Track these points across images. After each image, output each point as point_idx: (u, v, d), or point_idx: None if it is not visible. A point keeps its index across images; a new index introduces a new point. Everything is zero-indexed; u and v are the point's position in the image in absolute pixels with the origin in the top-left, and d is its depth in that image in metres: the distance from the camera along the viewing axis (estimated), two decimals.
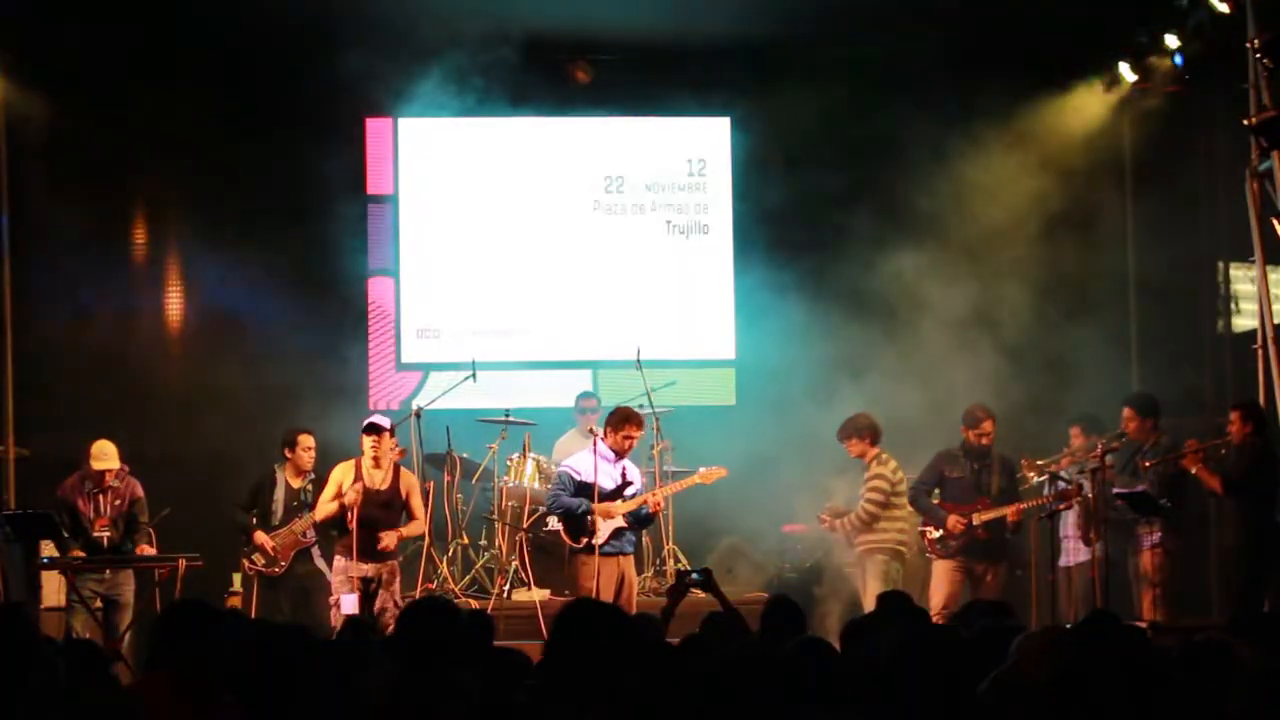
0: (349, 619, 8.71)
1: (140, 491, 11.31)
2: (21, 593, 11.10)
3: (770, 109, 13.42)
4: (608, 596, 10.16)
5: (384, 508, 10.53)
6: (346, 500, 10.43)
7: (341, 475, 10.63)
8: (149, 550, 11.11)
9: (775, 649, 4.95)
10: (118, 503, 11.20)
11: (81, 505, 11.12)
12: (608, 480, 10.39)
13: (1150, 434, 11.19)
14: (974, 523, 10.76)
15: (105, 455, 11.11)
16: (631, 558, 10.51)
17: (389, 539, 10.44)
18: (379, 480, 10.56)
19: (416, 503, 10.72)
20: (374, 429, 10.55)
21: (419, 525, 10.81)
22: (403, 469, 10.80)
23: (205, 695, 4.61)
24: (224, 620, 5.34)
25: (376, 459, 10.53)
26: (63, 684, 4.44)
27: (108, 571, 10.96)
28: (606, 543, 10.30)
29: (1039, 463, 11.17)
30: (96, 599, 10.99)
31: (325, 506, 10.65)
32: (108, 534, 11.05)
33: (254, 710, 4.75)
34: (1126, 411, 11.26)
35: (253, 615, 10.79)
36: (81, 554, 10.92)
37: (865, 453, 11.26)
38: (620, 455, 10.43)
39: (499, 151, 14.03)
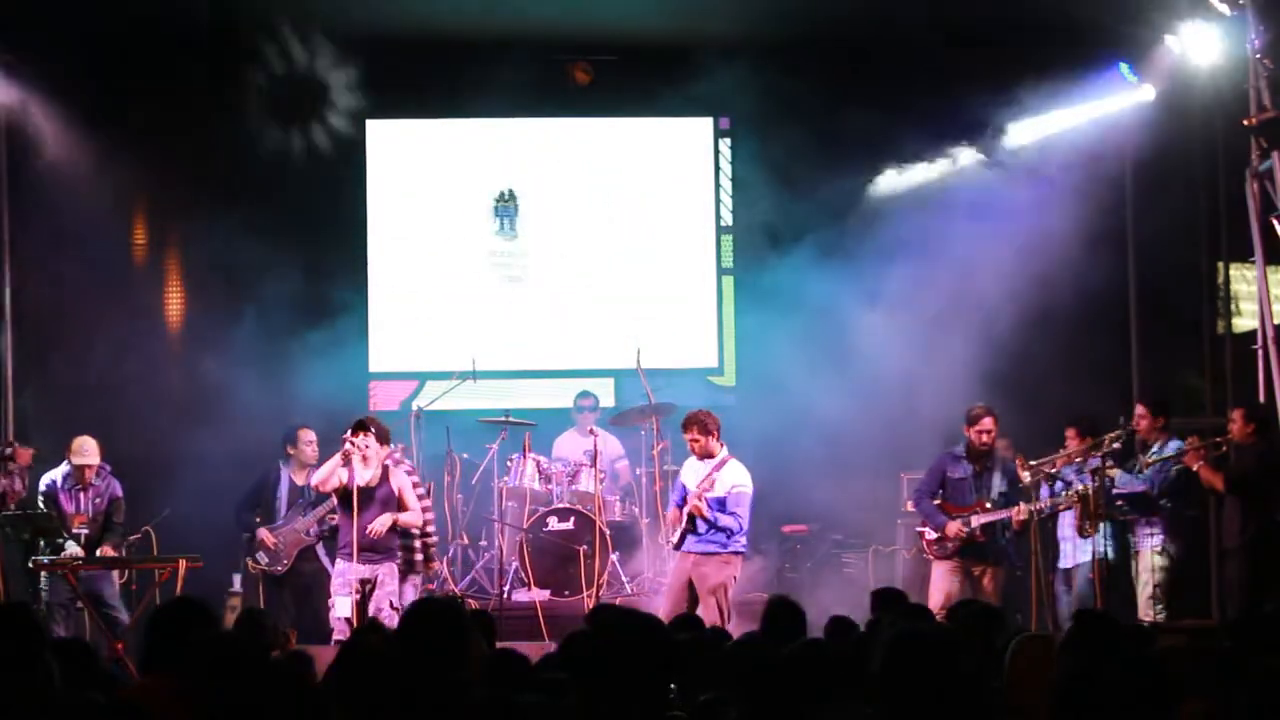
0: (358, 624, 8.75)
1: (119, 491, 11.34)
2: (21, 592, 11.12)
3: (768, 110, 13.43)
4: (676, 593, 10.25)
5: (381, 505, 10.50)
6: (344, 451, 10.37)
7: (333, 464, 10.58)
8: (110, 552, 11.07)
9: (777, 650, 4.95)
10: (98, 500, 11.23)
11: (63, 501, 11.14)
12: (692, 479, 10.43)
13: (1159, 434, 11.21)
14: (973, 525, 10.75)
15: (85, 451, 11.14)
16: (715, 558, 10.27)
17: (382, 521, 10.40)
18: (365, 479, 10.50)
19: (409, 497, 10.67)
20: (360, 426, 10.52)
21: (412, 516, 10.69)
22: (393, 468, 10.73)
23: (200, 697, 4.60)
24: (215, 619, 5.35)
25: (364, 457, 10.47)
26: (59, 684, 4.44)
27: (82, 571, 10.94)
28: (681, 541, 10.38)
29: (1033, 463, 11.15)
30: (76, 600, 10.99)
31: (324, 469, 10.57)
32: (85, 531, 11.05)
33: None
34: (1139, 409, 11.28)
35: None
36: (81, 553, 10.92)
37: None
38: (698, 456, 10.48)
39: (498, 152, 14.02)
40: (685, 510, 10.34)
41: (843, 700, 4.52)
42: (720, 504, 10.24)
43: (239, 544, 11.76)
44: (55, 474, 11.28)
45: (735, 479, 10.34)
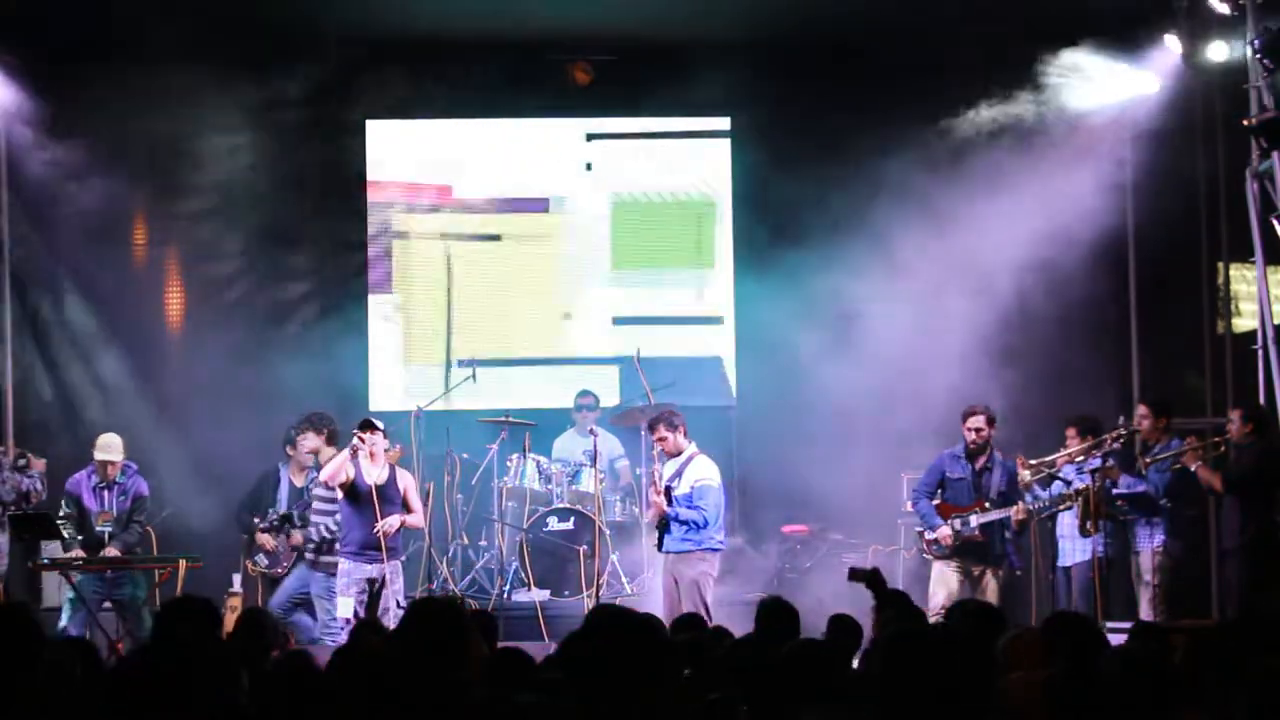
0: (358, 622, 8.75)
1: (145, 490, 11.33)
2: (22, 592, 11.12)
3: (769, 110, 13.42)
4: (669, 594, 10.26)
5: (388, 504, 10.49)
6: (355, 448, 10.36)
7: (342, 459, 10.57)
8: (112, 552, 11.04)
9: (771, 651, 4.95)
10: (122, 499, 11.20)
11: (87, 499, 11.13)
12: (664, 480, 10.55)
13: (1161, 435, 11.22)
14: (972, 524, 10.74)
15: (109, 447, 11.13)
16: (690, 555, 10.27)
17: (389, 522, 10.38)
18: (375, 477, 10.50)
19: (414, 498, 10.69)
20: (369, 425, 10.51)
21: (418, 518, 10.77)
22: (398, 468, 10.76)
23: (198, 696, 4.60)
24: (216, 618, 5.36)
25: (372, 455, 10.46)
26: (79, 682, 4.45)
27: (109, 571, 10.95)
28: (660, 542, 10.44)
29: (1033, 462, 11.15)
30: (104, 599, 10.99)
31: (332, 465, 10.52)
32: (109, 529, 11.05)
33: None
34: (1141, 409, 11.28)
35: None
36: (83, 553, 10.92)
37: (319, 449, 11.01)
38: (667, 454, 10.55)
39: (498, 152, 14.01)
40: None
41: (837, 700, 4.52)
42: (688, 500, 10.30)
43: (239, 544, 11.77)
44: (80, 472, 11.28)
45: (700, 473, 10.40)
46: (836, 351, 12.63)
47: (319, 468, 11.13)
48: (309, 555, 11.16)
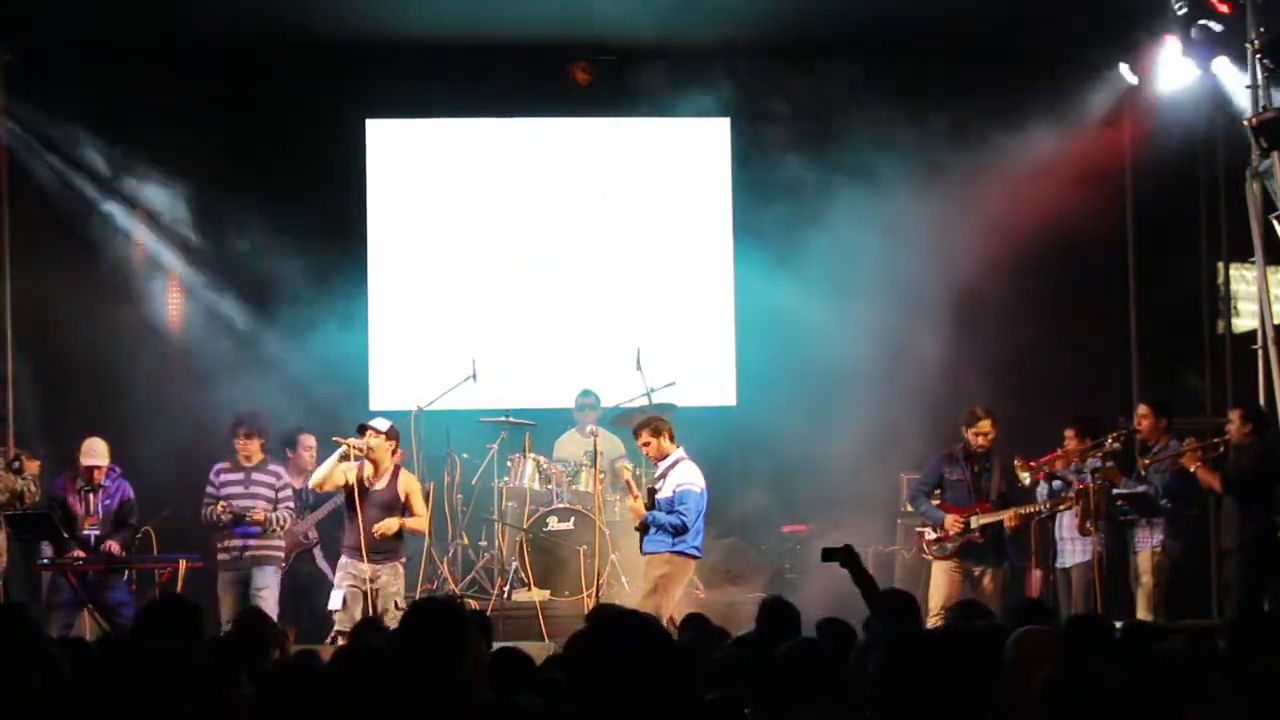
0: (358, 622, 8.77)
1: (130, 493, 11.29)
2: (22, 593, 11.12)
3: (770, 111, 13.42)
4: (645, 593, 10.29)
5: (384, 509, 10.50)
6: (344, 452, 10.41)
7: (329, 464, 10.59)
8: (114, 548, 10.99)
9: (771, 650, 4.95)
10: (108, 502, 11.19)
11: (72, 502, 11.12)
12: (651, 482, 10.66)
13: (1162, 435, 11.23)
14: (971, 526, 10.74)
15: (94, 452, 11.11)
16: (658, 556, 10.35)
17: (388, 524, 10.39)
18: (374, 480, 10.51)
19: (417, 502, 10.69)
20: (364, 428, 10.53)
21: (421, 521, 10.77)
22: (402, 470, 10.76)
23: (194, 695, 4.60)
24: (199, 617, 5.36)
25: (373, 459, 10.46)
26: (71, 681, 4.45)
27: (90, 574, 10.92)
28: (641, 544, 10.51)
29: (1032, 463, 11.14)
30: (88, 600, 10.97)
31: (321, 470, 10.60)
32: (95, 532, 11.04)
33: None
34: (1142, 409, 11.29)
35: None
36: (83, 553, 10.91)
37: (253, 454, 11.18)
38: (653, 459, 10.66)
39: (497, 154, 13.99)
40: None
41: (834, 699, 4.52)
42: (668, 504, 10.34)
43: None
44: (63, 476, 11.27)
45: (681, 478, 10.43)
46: (836, 353, 12.63)
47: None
48: (226, 553, 11.15)
